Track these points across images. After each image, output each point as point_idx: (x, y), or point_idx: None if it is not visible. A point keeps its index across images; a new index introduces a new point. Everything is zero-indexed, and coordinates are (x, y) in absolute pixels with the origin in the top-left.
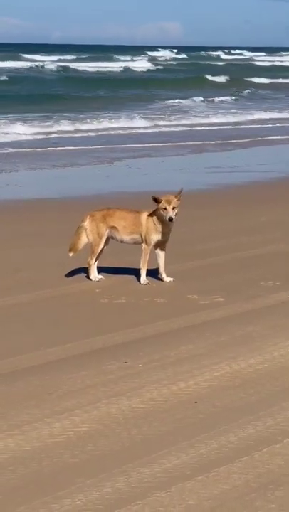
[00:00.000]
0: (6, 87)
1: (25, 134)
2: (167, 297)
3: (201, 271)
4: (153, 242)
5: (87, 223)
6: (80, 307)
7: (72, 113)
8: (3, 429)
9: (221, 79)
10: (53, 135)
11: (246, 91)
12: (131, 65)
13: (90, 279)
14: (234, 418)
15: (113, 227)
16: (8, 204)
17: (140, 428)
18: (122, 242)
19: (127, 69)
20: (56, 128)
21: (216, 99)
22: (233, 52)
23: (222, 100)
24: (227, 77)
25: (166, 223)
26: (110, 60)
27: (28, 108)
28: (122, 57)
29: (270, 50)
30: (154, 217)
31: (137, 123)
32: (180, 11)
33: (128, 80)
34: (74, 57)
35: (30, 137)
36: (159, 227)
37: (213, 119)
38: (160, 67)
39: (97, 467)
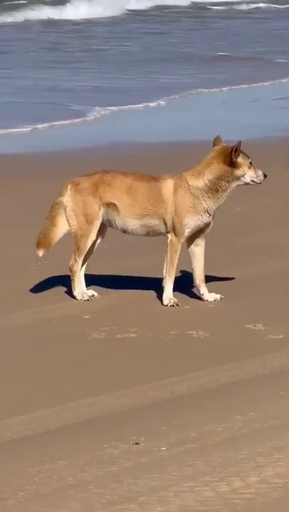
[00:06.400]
0: None
1: None
2: (211, 329)
3: (267, 281)
4: (188, 231)
5: (67, 198)
6: (56, 348)
7: None
8: None
9: None
10: None
11: None
12: None
13: (74, 296)
14: None
15: (111, 205)
16: None
17: None
18: (125, 231)
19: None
20: None
21: None
22: None
23: None
24: None
25: (223, 193)
26: None
27: None
28: None
29: None
30: (195, 185)
31: None
32: None
33: None
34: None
35: None
36: (207, 202)
37: None
38: None
39: None
